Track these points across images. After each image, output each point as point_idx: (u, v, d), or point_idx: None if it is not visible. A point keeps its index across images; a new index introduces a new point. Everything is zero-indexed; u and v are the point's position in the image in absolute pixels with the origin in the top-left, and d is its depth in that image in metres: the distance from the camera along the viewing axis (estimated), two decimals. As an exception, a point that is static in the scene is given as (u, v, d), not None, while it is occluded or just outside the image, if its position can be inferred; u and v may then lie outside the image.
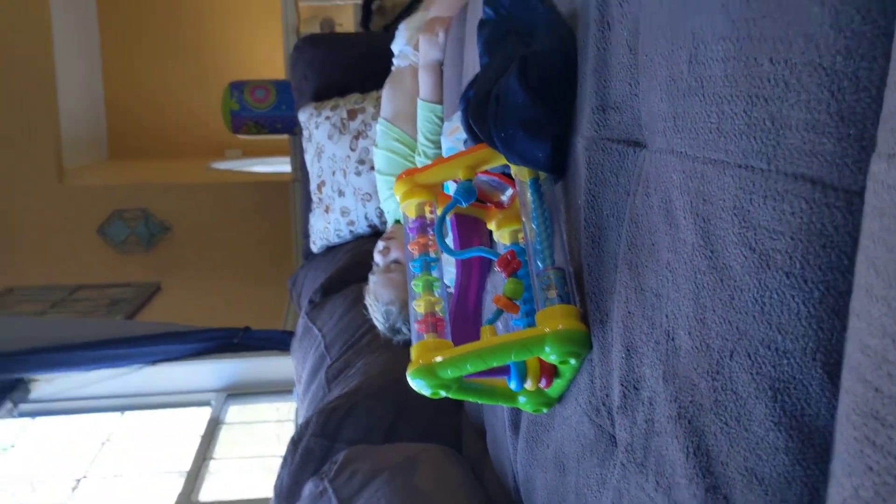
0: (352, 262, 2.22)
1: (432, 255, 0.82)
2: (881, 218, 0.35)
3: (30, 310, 3.42)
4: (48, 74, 4.21)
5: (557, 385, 0.76)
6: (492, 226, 0.91)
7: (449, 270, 1.16)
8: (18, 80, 4.07)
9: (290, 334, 2.31)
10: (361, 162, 2.30)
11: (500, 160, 0.81)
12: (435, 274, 0.81)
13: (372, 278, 1.65)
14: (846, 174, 0.41)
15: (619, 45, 0.66)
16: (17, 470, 2.20)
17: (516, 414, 0.95)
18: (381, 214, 2.30)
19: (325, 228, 2.45)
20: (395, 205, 1.87)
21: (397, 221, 1.88)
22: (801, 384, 0.43)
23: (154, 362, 2.53)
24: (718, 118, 0.50)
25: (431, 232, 0.83)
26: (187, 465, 2.13)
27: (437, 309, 0.79)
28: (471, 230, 0.91)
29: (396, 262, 1.65)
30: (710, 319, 0.50)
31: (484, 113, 0.79)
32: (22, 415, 2.43)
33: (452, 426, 1.38)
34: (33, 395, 2.48)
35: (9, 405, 2.37)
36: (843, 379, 0.36)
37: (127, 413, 2.50)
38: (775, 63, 0.44)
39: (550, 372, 0.75)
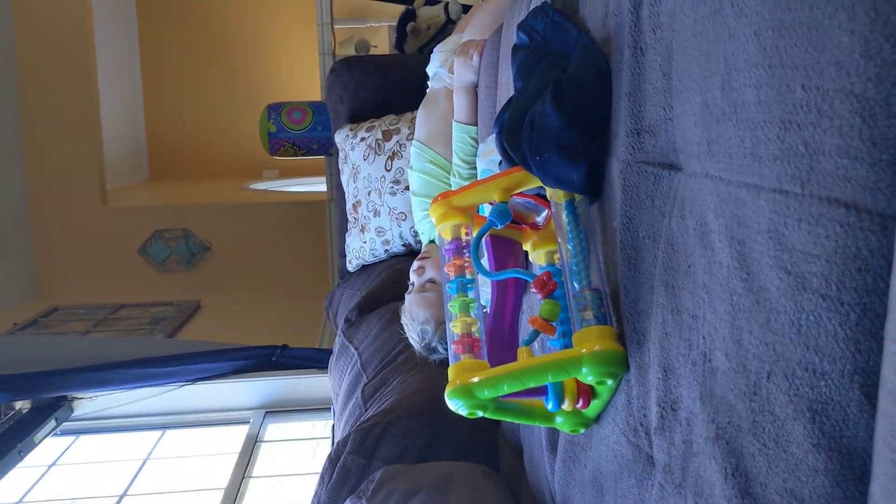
0: (387, 280, 2.24)
1: (468, 276, 0.83)
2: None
3: (74, 328, 3.50)
4: (92, 101, 4.32)
5: (595, 405, 0.77)
6: (527, 247, 0.92)
7: (485, 291, 1.17)
8: (64, 107, 4.18)
9: (328, 352, 2.33)
10: (396, 182, 2.33)
11: (535, 182, 0.82)
12: (471, 295, 0.82)
13: (408, 297, 1.67)
14: (880, 199, 0.42)
15: (653, 71, 0.67)
16: (60, 487, 2.24)
17: (553, 433, 0.95)
18: (415, 234, 2.32)
19: (361, 248, 2.47)
20: (430, 225, 1.89)
21: (432, 241, 1.89)
22: (839, 406, 0.43)
23: (194, 381, 2.57)
24: (752, 143, 0.50)
25: (467, 253, 0.84)
26: (226, 482, 2.16)
27: (473, 330, 0.80)
28: (506, 252, 0.92)
29: (432, 281, 1.66)
30: (746, 341, 0.50)
31: (518, 136, 0.81)
32: (65, 433, 2.48)
33: (489, 445, 1.38)
34: (76, 413, 2.53)
35: (52, 423, 2.42)
36: (880, 402, 0.37)
37: (168, 431, 2.54)
38: (808, 90, 0.45)
39: (588, 392, 0.76)
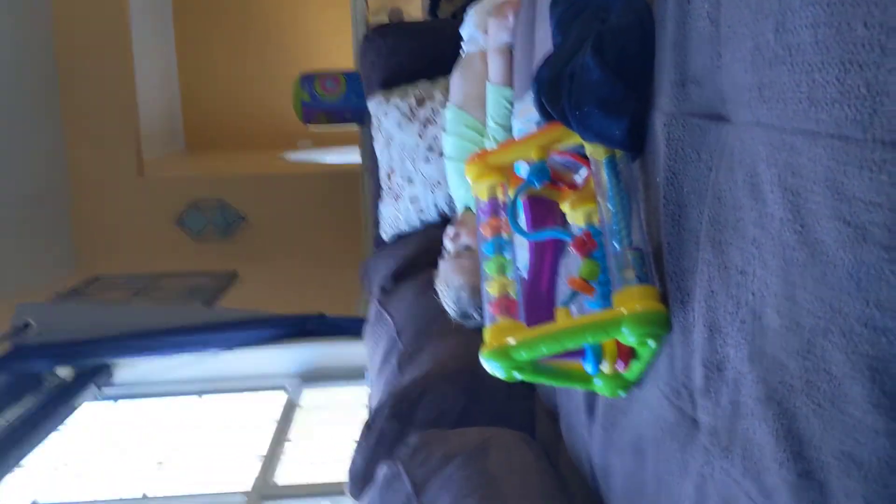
0: (421, 249, 2.22)
1: (505, 236, 0.81)
2: None
3: (114, 297, 3.55)
4: (128, 72, 4.34)
5: (635, 368, 0.75)
6: (565, 207, 0.89)
7: (521, 254, 1.15)
8: (100, 78, 4.21)
9: (363, 320, 2.34)
10: (430, 149, 2.30)
11: (574, 139, 0.79)
12: (507, 256, 0.80)
13: (442, 264, 1.65)
14: (951, 141, 0.39)
15: (700, 18, 0.63)
16: (100, 451, 2.29)
17: (592, 397, 0.93)
18: (450, 202, 2.30)
19: (395, 216, 2.46)
20: (465, 191, 1.87)
21: (467, 208, 1.87)
22: (903, 364, 0.41)
23: (231, 348, 2.59)
24: (809, 87, 0.47)
25: (504, 214, 0.82)
26: (264, 448, 2.18)
27: (509, 291, 0.78)
28: (544, 212, 0.90)
29: (467, 247, 1.64)
30: (800, 297, 0.48)
31: (558, 91, 0.78)
32: (105, 398, 2.52)
33: (525, 410, 1.37)
34: (116, 379, 2.57)
35: (93, 389, 2.47)
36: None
37: (205, 397, 2.57)
38: (870, 27, 0.42)
39: (628, 354, 0.74)
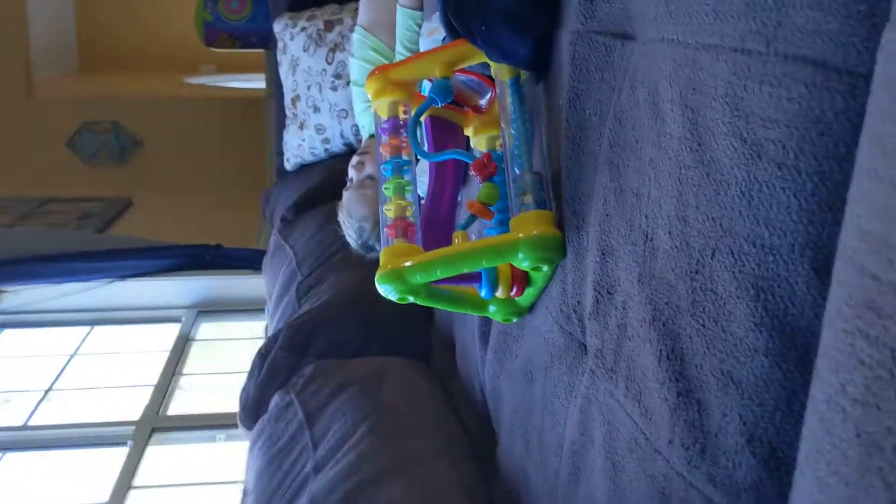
0: (326, 179, 2.16)
1: (405, 157, 0.78)
2: (892, 91, 0.31)
3: (-3, 221, 3.35)
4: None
5: (529, 293, 0.74)
6: (469, 131, 0.87)
7: (422, 181, 1.12)
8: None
9: (262, 253, 2.27)
10: (338, 76, 2.23)
11: (480, 57, 0.76)
12: (407, 177, 0.77)
13: (346, 194, 1.61)
14: (852, 54, 0.38)
15: (611, -70, 0.61)
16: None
17: (486, 325, 0.93)
18: (356, 132, 2.24)
19: (300, 146, 2.38)
20: (371, 118, 1.82)
21: (372, 136, 1.82)
22: (787, 282, 0.40)
23: (124, 277, 2.48)
24: (715, 0, 0.46)
25: (405, 133, 0.79)
26: (155, 379, 2.12)
27: (407, 213, 0.75)
28: (447, 134, 0.87)
29: (371, 177, 1.60)
30: (692, 217, 0.47)
31: (464, 6, 0.75)
32: (-12, 327, 2.39)
33: (421, 341, 1.37)
34: (1, 306, 2.43)
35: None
36: (836, 271, 0.34)
37: (96, 327, 2.47)
38: (780, -64, 0.41)
39: (523, 280, 0.73)
